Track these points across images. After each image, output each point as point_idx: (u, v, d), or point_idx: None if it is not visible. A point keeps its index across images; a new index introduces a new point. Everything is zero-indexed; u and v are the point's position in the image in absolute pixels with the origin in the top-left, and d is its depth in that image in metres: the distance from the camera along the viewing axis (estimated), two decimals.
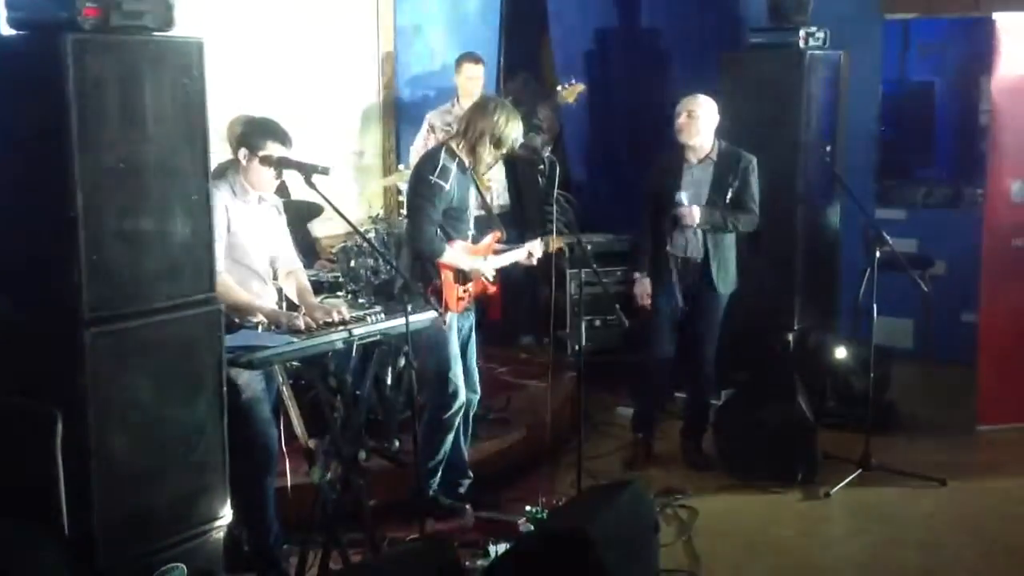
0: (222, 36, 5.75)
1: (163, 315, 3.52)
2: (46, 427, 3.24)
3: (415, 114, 7.51)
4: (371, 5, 7.54)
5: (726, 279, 5.77)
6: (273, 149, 4.30)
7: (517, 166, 7.00)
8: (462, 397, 5.09)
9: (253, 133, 4.35)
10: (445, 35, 7.81)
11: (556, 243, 5.38)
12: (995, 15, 6.30)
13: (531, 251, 5.33)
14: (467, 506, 5.23)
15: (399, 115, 7.77)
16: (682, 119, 5.65)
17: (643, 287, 5.83)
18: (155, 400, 3.50)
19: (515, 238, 5.72)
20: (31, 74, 3.34)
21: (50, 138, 3.28)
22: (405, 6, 7.69)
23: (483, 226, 5.29)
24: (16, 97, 3.39)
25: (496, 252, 5.24)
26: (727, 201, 5.69)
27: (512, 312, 7.27)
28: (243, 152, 4.32)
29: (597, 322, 7.02)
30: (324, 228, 6.59)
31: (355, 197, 7.46)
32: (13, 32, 3.44)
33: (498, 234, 5.30)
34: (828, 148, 6.41)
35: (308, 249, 6.26)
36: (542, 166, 4.90)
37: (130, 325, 3.42)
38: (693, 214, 5.60)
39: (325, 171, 4.15)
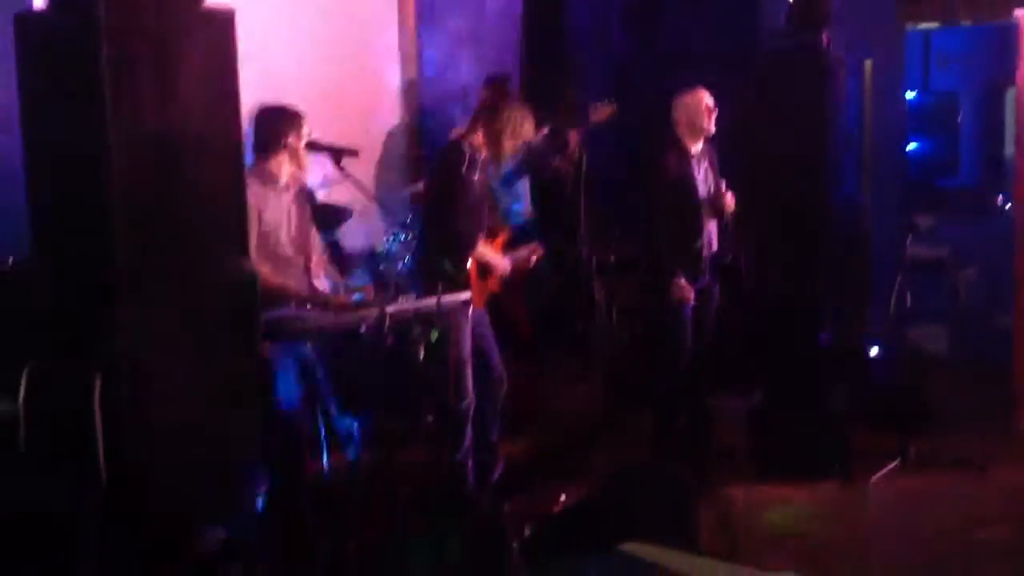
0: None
1: (199, 282, 3.54)
2: (85, 386, 3.25)
3: (438, 137, 7.56)
4: (393, 30, 7.64)
5: None
6: (294, 137, 4.37)
7: (539, 179, 7.05)
8: (471, 393, 5.10)
9: (273, 123, 4.42)
10: (466, 58, 7.90)
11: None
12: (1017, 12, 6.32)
13: (533, 251, 5.46)
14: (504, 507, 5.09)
15: (422, 136, 7.82)
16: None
17: (686, 288, 5.55)
18: (190, 368, 3.50)
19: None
20: (65, 46, 3.40)
21: (85, 107, 3.33)
22: (428, 30, 7.80)
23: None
24: (51, 70, 3.44)
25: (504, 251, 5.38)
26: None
27: (546, 334, 7.26)
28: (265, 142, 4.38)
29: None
30: (347, 240, 6.59)
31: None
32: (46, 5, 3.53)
33: (507, 233, 5.46)
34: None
35: (337, 258, 6.27)
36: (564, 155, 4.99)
37: (166, 294, 3.44)
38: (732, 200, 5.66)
39: (354, 153, 4.22)
